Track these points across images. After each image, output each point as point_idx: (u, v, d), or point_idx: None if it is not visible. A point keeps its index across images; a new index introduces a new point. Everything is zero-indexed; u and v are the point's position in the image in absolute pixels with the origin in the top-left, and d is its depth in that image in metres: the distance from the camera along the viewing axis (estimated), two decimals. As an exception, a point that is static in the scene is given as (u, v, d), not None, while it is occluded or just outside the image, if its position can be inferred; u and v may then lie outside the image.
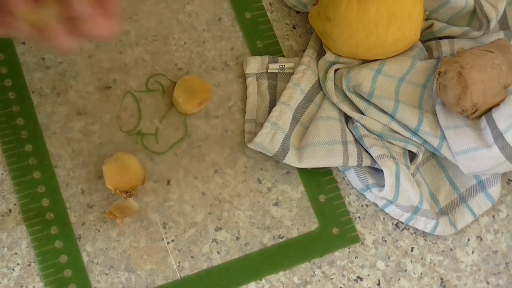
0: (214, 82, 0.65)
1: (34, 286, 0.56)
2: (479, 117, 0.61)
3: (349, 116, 0.64)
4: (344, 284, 0.60)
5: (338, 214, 0.62)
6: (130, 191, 0.58)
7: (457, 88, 0.60)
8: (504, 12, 0.68)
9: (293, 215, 0.62)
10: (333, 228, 0.61)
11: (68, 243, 0.58)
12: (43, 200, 0.59)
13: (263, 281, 0.59)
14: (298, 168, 0.63)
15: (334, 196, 0.63)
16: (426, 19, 0.66)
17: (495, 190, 0.63)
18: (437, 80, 0.62)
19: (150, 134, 0.62)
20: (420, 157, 0.63)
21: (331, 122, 0.63)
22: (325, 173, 0.63)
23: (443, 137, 0.62)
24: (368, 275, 0.60)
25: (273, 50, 0.67)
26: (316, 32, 0.66)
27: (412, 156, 0.63)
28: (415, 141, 0.63)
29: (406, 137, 0.63)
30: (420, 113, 0.62)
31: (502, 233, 0.64)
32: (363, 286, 0.60)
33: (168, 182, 0.61)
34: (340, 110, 0.64)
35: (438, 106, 0.63)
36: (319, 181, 0.63)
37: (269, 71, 0.65)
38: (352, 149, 0.61)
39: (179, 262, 0.59)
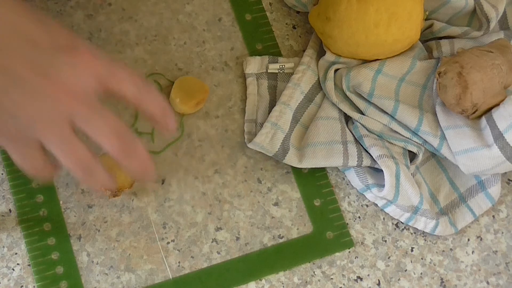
0: (214, 82, 0.65)
1: (34, 286, 0.56)
2: (479, 117, 0.61)
3: (349, 116, 0.64)
4: (344, 284, 0.60)
5: (332, 218, 0.62)
6: (115, 192, 0.58)
7: (457, 88, 0.60)
8: (504, 12, 0.68)
9: (293, 215, 0.61)
10: (327, 233, 0.61)
11: (61, 240, 0.58)
12: (37, 196, 0.59)
13: (263, 281, 0.59)
14: (294, 172, 0.63)
15: (329, 200, 0.62)
16: (426, 19, 0.66)
17: (495, 190, 0.63)
18: (437, 80, 0.62)
19: (147, 134, 0.62)
20: (420, 157, 0.62)
21: (331, 122, 0.63)
22: (320, 177, 0.63)
23: (443, 137, 0.62)
24: (368, 275, 0.60)
25: (273, 50, 0.67)
26: (316, 32, 0.66)
27: (412, 156, 0.63)
28: (415, 141, 0.63)
29: (406, 137, 0.63)
30: (420, 113, 0.62)
31: (502, 233, 0.64)
32: (363, 286, 0.60)
33: (168, 182, 0.61)
34: (340, 110, 0.64)
35: (438, 106, 0.63)
36: (314, 185, 0.63)
37: (269, 71, 0.65)
38: (352, 149, 0.61)
39: (179, 262, 0.59)
